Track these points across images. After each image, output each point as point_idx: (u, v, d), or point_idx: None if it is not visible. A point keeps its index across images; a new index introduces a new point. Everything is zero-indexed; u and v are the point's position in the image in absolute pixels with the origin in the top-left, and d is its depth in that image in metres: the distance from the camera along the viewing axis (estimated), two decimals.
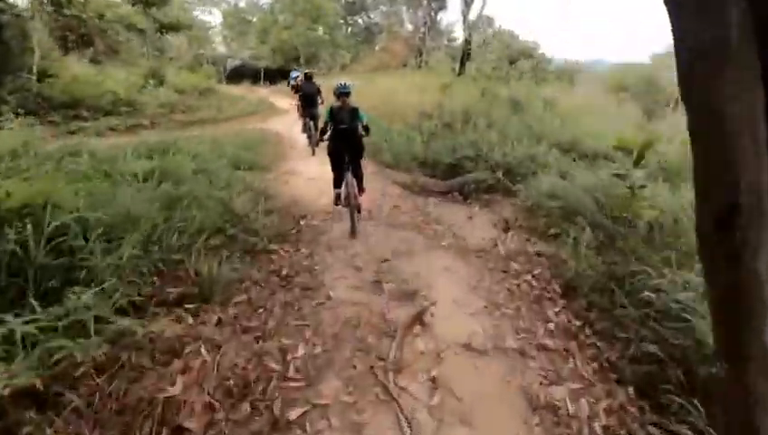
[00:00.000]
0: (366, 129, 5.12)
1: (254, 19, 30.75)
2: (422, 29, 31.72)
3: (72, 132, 9.35)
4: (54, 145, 6.38)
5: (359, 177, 5.28)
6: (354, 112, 5.01)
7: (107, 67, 15.55)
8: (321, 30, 27.68)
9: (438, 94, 12.39)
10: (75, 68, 13.10)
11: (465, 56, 19.55)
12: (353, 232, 4.97)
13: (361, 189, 5.33)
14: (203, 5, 47.75)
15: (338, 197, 5.24)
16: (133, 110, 11.41)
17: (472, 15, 19.92)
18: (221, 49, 49.56)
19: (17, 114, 9.10)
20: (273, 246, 4.49)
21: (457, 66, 20.01)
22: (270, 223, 4.93)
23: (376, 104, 12.45)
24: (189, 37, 25.90)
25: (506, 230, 5.32)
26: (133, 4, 17.08)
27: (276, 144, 10.83)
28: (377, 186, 6.87)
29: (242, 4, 46.00)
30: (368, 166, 8.06)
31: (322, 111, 8.33)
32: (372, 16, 47.69)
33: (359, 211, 5.25)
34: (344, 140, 5.02)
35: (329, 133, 5.05)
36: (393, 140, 8.93)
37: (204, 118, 13.08)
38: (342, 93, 5.02)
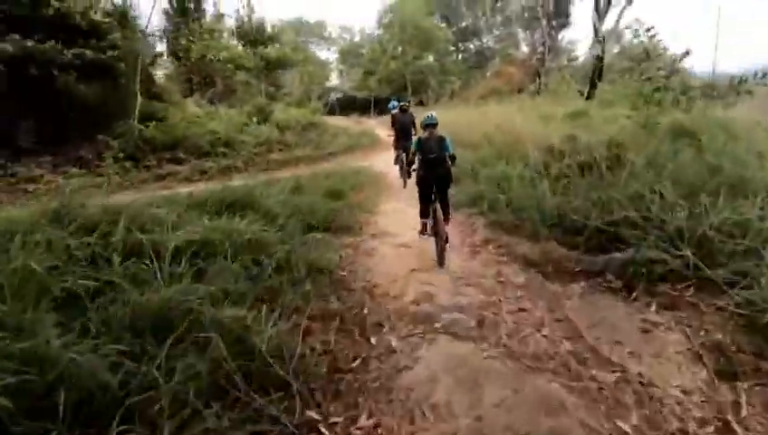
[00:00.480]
0: (453, 158, 5.26)
1: (364, 51, 30.93)
2: (540, 49, 28.91)
3: (163, 177, 8.93)
4: (113, 198, 5.59)
5: (446, 206, 5.33)
6: (441, 142, 5.15)
7: (220, 107, 15.86)
8: (430, 58, 26.43)
9: (567, 124, 9.96)
10: (190, 109, 13.27)
11: (596, 75, 16.54)
12: (441, 262, 4.97)
13: (447, 219, 5.31)
14: (323, 44, 50.77)
15: (425, 226, 5.37)
16: (230, 150, 10.99)
17: (606, 25, 16.91)
18: (335, 82, 51.97)
19: (116, 159, 8.99)
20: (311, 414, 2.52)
21: (586, 88, 17.04)
22: (315, 358, 3.00)
23: (488, 138, 10.46)
24: (302, 73, 26.56)
25: (732, 378, 2.91)
26: (243, 45, 17.53)
27: (372, 185, 9.42)
28: (490, 270, 4.86)
29: (357, 39, 47.70)
30: (477, 229, 6.10)
31: None
32: (485, 41, 45.82)
33: (446, 241, 5.05)
34: (432, 169, 5.13)
35: (417, 163, 5.23)
36: (512, 188, 6.81)
37: (301, 156, 12.33)
38: (429, 125, 5.21)
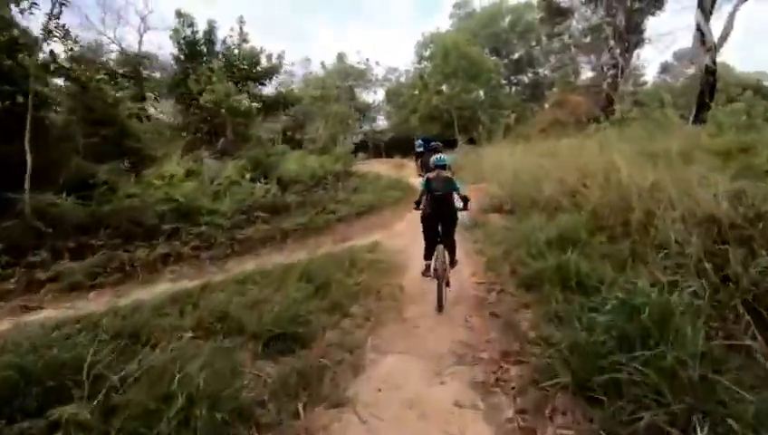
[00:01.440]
0: (465, 200, 5.30)
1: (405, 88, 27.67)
2: (611, 72, 24.26)
3: (41, 283, 5.62)
4: None
5: (451, 249, 5.28)
6: (448, 181, 5.17)
7: (226, 161, 12.90)
8: (480, 92, 22.58)
9: (710, 164, 5.62)
10: (166, 167, 10.29)
11: (708, 94, 11.85)
12: (440, 307, 4.85)
13: (453, 262, 5.36)
14: (370, 85, 48.90)
15: (427, 268, 5.20)
16: (189, 225, 7.67)
17: (716, 32, 12.32)
18: (383, 124, 49.54)
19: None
20: None
21: (692, 112, 12.34)
22: None
23: (571, 192, 6.37)
24: (325, 115, 23.68)
25: None
26: (236, 83, 14.71)
27: (369, 293, 5.48)
28: None
29: (403, 79, 45.21)
30: None
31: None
32: (540, 70, 41.52)
33: (447, 284, 5.11)
34: (438, 206, 5.07)
35: (424, 201, 5.22)
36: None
37: (293, 227, 8.72)
38: (438, 166, 5.24)
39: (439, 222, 5.13)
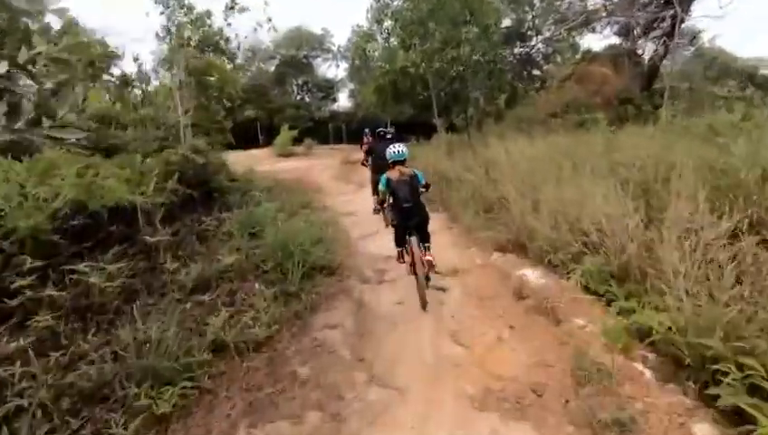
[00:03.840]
0: (426, 187, 4.68)
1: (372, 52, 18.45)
2: (655, 32, 16.45)
3: None
4: None
5: (425, 239, 4.61)
6: (414, 181, 4.48)
7: None
8: (470, 49, 13.55)
9: None
10: None
11: None
12: (423, 305, 4.36)
13: (427, 252, 4.54)
14: (327, 58, 39.71)
15: (400, 254, 4.77)
16: None
17: None
18: (346, 104, 40.71)
19: None
20: None
21: None
22: None
23: None
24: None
25: None
26: None
27: None
28: None
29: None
30: None
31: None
32: (535, 42, 33.42)
33: (427, 278, 4.53)
34: (409, 217, 4.48)
35: (390, 208, 4.82)
36: None
37: None
38: (397, 162, 4.54)
39: (412, 228, 4.48)
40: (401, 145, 4.65)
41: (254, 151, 25.85)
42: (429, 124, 26.86)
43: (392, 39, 13.28)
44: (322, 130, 35.17)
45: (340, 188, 10.71)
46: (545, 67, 27.90)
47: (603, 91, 17.03)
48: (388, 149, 4.58)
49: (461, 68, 12.57)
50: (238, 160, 20.97)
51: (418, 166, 10.28)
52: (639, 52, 17.90)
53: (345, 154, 18.02)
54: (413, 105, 17.74)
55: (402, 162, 4.54)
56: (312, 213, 7.46)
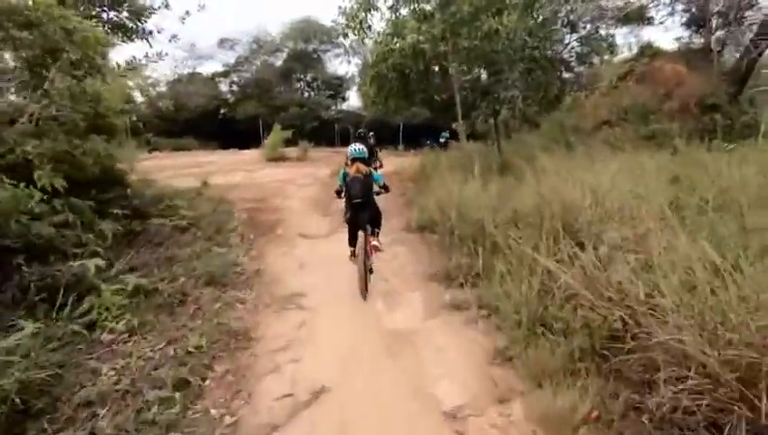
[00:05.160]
0: (385, 187, 4.86)
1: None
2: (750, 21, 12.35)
3: None
4: None
5: (373, 231, 4.83)
6: (368, 180, 4.57)
7: None
8: (509, 21, 9.13)
9: None
10: None
11: None
12: (364, 293, 4.29)
13: (376, 243, 4.77)
14: (339, 53, 36.00)
15: (353, 253, 4.73)
16: None
17: None
18: (353, 103, 36.94)
19: None
20: None
21: None
22: None
23: None
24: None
25: None
26: None
27: None
28: None
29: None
30: None
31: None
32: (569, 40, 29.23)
33: (370, 271, 4.61)
34: (360, 212, 4.58)
35: (344, 203, 4.72)
36: None
37: None
38: (356, 159, 4.63)
39: (363, 222, 4.59)
40: (360, 144, 4.80)
41: (245, 152, 22.26)
42: (444, 129, 22.94)
43: (401, 7, 9.32)
44: (328, 132, 31.56)
45: (309, 224, 6.94)
46: (579, 69, 23.64)
47: (677, 95, 12.94)
48: (349, 147, 4.80)
49: (498, 50, 8.70)
50: (212, 163, 17.60)
51: (435, 195, 6.58)
52: (719, 48, 13.72)
53: (344, 162, 14.32)
54: (429, 105, 13.85)
55: (362, 160, 4.62)
56: (207, 306, 3.73)
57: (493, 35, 8.16)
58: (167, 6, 6.86)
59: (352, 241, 4.71)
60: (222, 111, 33.05)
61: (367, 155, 4.79)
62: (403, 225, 6.80)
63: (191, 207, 7.06)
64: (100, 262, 3.52)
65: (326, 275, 4.78)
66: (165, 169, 15.00)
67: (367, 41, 11.04)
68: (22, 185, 3.68)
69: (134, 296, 3.51)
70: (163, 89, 31.89)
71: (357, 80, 34.84)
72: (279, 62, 35.50)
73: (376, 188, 4.70)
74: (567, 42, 26.60)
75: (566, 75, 24.77)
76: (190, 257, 4.76)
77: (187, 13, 7.20)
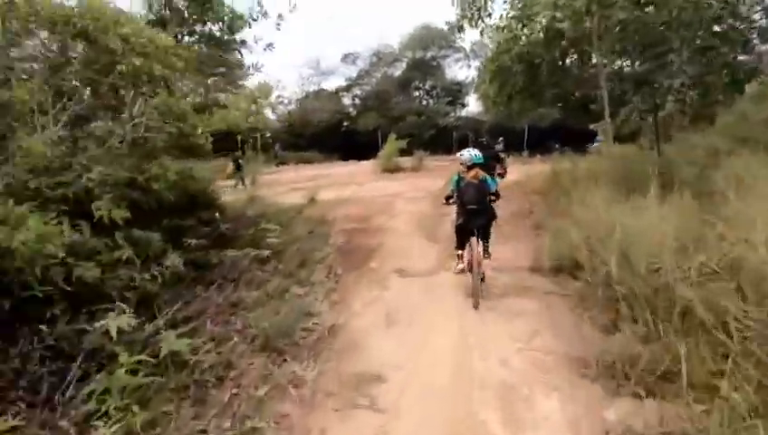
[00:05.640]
0: (497, 194, 4.57)
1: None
2: None
3: None
4: None
5: (485, 239, 4.51)
6: (483, 186, 4.32)
7: None
8: None
9: None
10: None
11: None
12: (476, 304, 4.05)
13: (487, 253, 4.49)
14: (458, 58, 34.52)
15: (460, 258, 4.56)
16: None
17: None
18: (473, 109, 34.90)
19: None
20: None
21: None
22: None
23: None
24: None
25: None
26: None
27: None
28: None
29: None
30: None
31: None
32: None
33: (482, 279, 4.36)
34: (473, 219, 4.34)
35: (456, 209, 4.51)
36: None
37: None
38: (476, 164, 4.38)
39: (475, 229, 4.34)
40: (476, 150, 4.53)
41: (363, 164, 22.13)
42: (582, 133, 19.72)
43: None
44: (446, 140, 30.19)
45: (410, 253, 5.61)
46: (762, 48, 18.09)
47: None
48: (465, 151, 4.52)
49: (670, 20, 6.41)
50: (329, 176, 17.49)
51: (576, 219, 4.72)
52: None
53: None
54: (563, 103, 11.57)
55: (479, 165, 4.42)
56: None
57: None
58: (264, 15, 6.37)
59: (460, 245, 4.56)
60: (344, 124, 34.19)
61: (483, 160, 4.54)
62: (529, 260, 5.08)
63: (286, 229, 6.39)
64: (126, 321, 2.74)
65: (420, 342, 3.39)
66: (283, 183, 15.36)
67: (486, 34, 9.42)
68: (65, 220, 3.13)
69: (160, 371, 2.65)
70: (292, 106, 34.33)
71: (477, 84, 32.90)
72: (398, 73, 35.44)
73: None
74: (746, 17, 20.74)
75: (741, 57, 19.35)
76: (257, 302, 3.87)
77: (280, 16, 6.63)
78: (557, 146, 22.04)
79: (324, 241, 6.19)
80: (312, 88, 35.25)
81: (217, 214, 5.29)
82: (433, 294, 4.42)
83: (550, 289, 4.30)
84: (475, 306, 3.99)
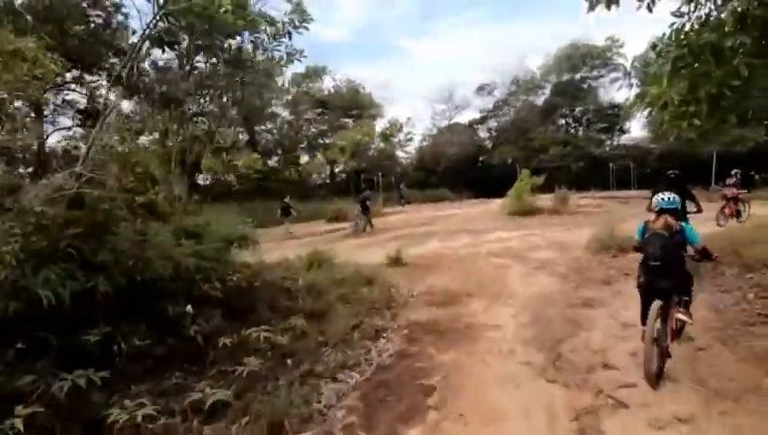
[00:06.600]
0: (704, 252, 3.42)
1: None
2: None
3: None
4: None
5: (680, 292, 3.42)
6: (675, 237, 3.29)
7: None
8: None
9: None
10: None
11: None
12: (655, 381, 3.10)
13: (683, 305, 3.43)
14: (613, 77, 28.99)
15: (644, 335, 3.41)
16: None
17: None
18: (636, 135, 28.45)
19: None
20: None
21: None
22: None
23: None
24: None
25: None
26: None
27: None
28: None
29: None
30: None
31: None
32: None
33: (668, 355, 3.28)
34: (656, 279, 3.34)
35: (640, 261, 3.55)
36: None
37: None
38: (665, 210, 3.44)
39: (659, 292, 3.33)
40: (670, 194, 3.55)
41: (493, 202, 18.95)
42: None
43: None
44: (600, 173, 24.81)
45: (502, 407, 2.83)
46: None
47: None
48: (657, 196, 3.60)
49: None
50: (444, 220, 14.84)
51: None
52: None
53: (622, 217, 8.86)
54: None
55: (671, 212, 3.49)
56: None
57: None
58: (296, 27, 4.63)
59: (645, 317, 3.40)
60: (478, 157, 31.59)
61: (679, 206, 3.69)
62: None
63: (318, 321, 4.25)
64: None
65: None
66: (389, 228, 13.37)
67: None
68: None
69: None
70: (424, 142, 33.09)
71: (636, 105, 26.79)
72: (540, 100, 31.48)
73: (690, 251, 3.41)
74: None
75: None
76: None
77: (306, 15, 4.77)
78: (757, 177, 16.73)
79: (360, 354, 3.76)
80: (445, 122, 33.63)
81: (189, 307, 3.37)
82: None
83: None
84: (650, 383, 3.03)
